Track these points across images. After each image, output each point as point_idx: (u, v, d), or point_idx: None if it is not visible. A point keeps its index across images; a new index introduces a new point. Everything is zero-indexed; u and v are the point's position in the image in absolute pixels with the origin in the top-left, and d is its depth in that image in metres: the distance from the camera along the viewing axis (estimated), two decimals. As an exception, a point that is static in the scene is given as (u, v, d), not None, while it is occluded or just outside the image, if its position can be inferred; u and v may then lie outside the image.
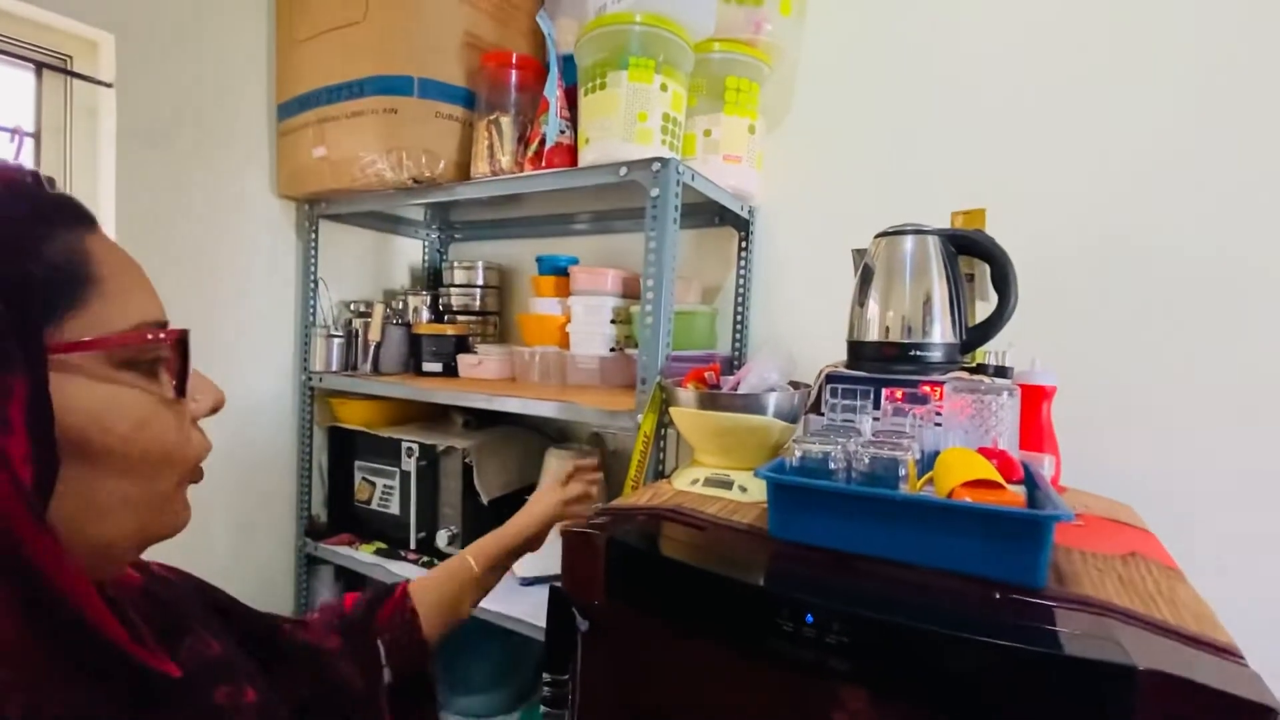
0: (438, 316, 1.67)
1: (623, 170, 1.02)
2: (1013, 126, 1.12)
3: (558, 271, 1.47)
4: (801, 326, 1.33)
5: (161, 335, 0.40)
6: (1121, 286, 1.05)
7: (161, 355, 0.40)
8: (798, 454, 0.70)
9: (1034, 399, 0.89)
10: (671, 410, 0.93)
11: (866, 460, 0.67)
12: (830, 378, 0.94)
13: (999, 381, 0.80)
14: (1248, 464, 0.98)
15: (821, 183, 1.30)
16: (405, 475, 1.41)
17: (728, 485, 0.86)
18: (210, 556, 1.39)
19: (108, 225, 1.17)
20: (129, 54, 1.20)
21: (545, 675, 0.72)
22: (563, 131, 1.13)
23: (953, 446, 0.71)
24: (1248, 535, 0.98)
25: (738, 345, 1.38)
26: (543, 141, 1.12)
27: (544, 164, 1.13)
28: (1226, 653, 0.46)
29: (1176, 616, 0.52)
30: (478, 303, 1.66)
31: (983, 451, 0.72)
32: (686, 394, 0.91)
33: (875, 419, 0.87)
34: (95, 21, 1.16)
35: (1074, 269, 1.08)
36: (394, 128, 1.20)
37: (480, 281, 1.66)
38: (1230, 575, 0.89)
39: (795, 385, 0.93)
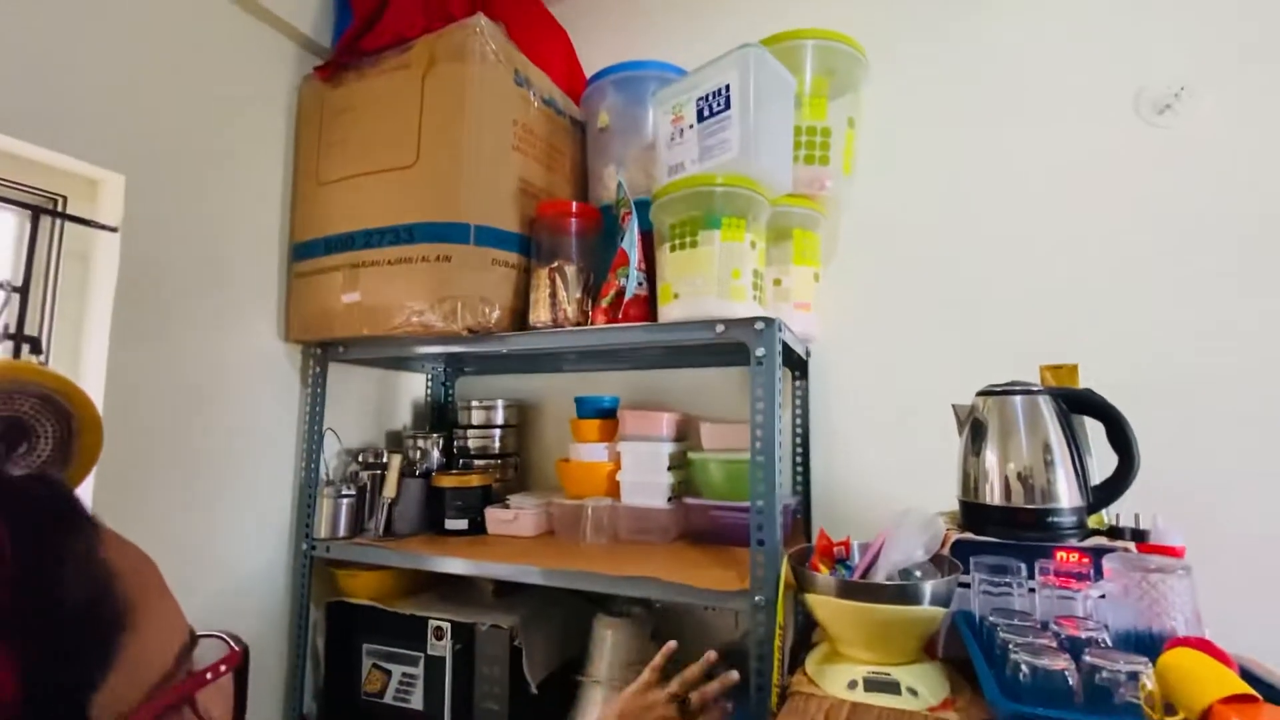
0: (451, 461, 1.51)
1: (719, 328, 0.98)
2: (1059, 280, 1.19)
3: (602, 414, 1.38)
4: (865, 472, 1.30)
5: (222, 667, 0.34)
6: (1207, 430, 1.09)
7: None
8: (1025, 670, 0.63)
9: (1169, 563, 0.87)
10: (809, 598, 0.83)
11: (1106, 674, 0.61)
12: (965, 547, 0.89)
13: (1168, 560, 0.77)
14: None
15: (873, 324, 1.32)
16: (434, 661, 1.20)
17: (894, 689, 0.76)
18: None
19: (95, 381, 1.00)
20: (137, 196, 1.07)
21: None
22: (640, 284, 1.08)
23: (1177, 645, 0.66)
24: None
25: (799, 489, 1.32)
26: (620, 293, 1.07)
27: (621, 316, 1.07)
28: None
29: None
30: (497, 444, 1.53)
31: (1192, 645, 0.67)
32: (826, 580, 0.82)
33: (1031, 589, 0.82)
34: (102, 161, 1.03)
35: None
36: (448, 276, 1.11)
37: (500, 421, 1.54)
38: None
39: (937, 560, 0.87)
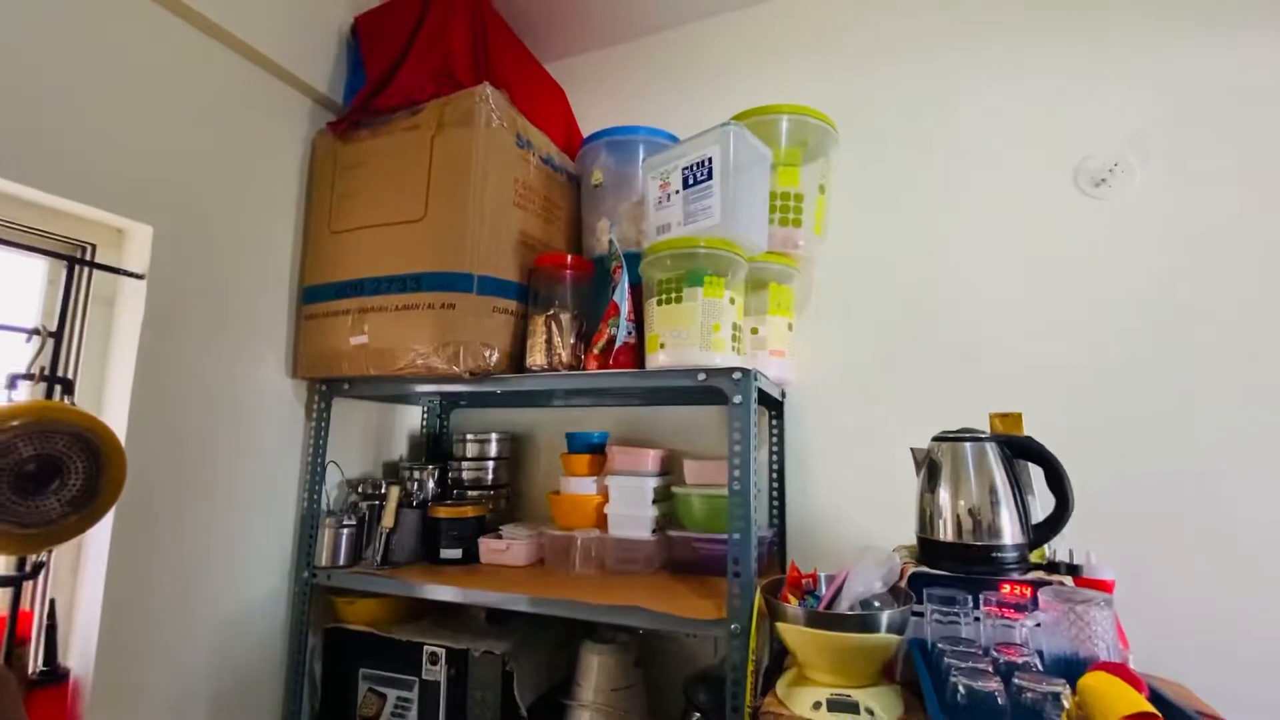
0: (446, 491, 1.58)
1: (701, 376, 1.08)
2: (1008, 334, 1.31)
3: (591, 449, 1.46)
4: (836, 506, 1.39)
5: None
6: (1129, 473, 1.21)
7: None
8: (961, 691, 0.72)
9: (1100, 594, 0.98)
10: (779, 626, 0.92)
11: (1031, 695, 0.70)
12: (920, 580, 0.98)
13: (1092, 592, 0.87)
14: None
15: (842, 369, 1.43)
16: (429, 686, 1.26)
17: (854, 709, 0.85)
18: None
19: (117, 419, 1.07)
20: (163, 245, 1.15)
21: None
22: (629, 333, 1.18)
23: (1095, 669, 0.76)
24: None
25: (775, 522, 1.41)
26: (610, 341, 1.17)
27: (611, 362, 1.17)
28: None
29: None
30: (490, 476, 1.61)
31: (1110, 669, 0.77)
32: (794, 610, 0.91)
33: (976, 618, 0.92)
34: (130, 212, 1.11)
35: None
36: (451, 322, 1.20)
37: (493, 453, 1.62)
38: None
39: (894, 591, 0.96)
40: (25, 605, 1.02)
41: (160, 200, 1.14)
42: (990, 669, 0.76)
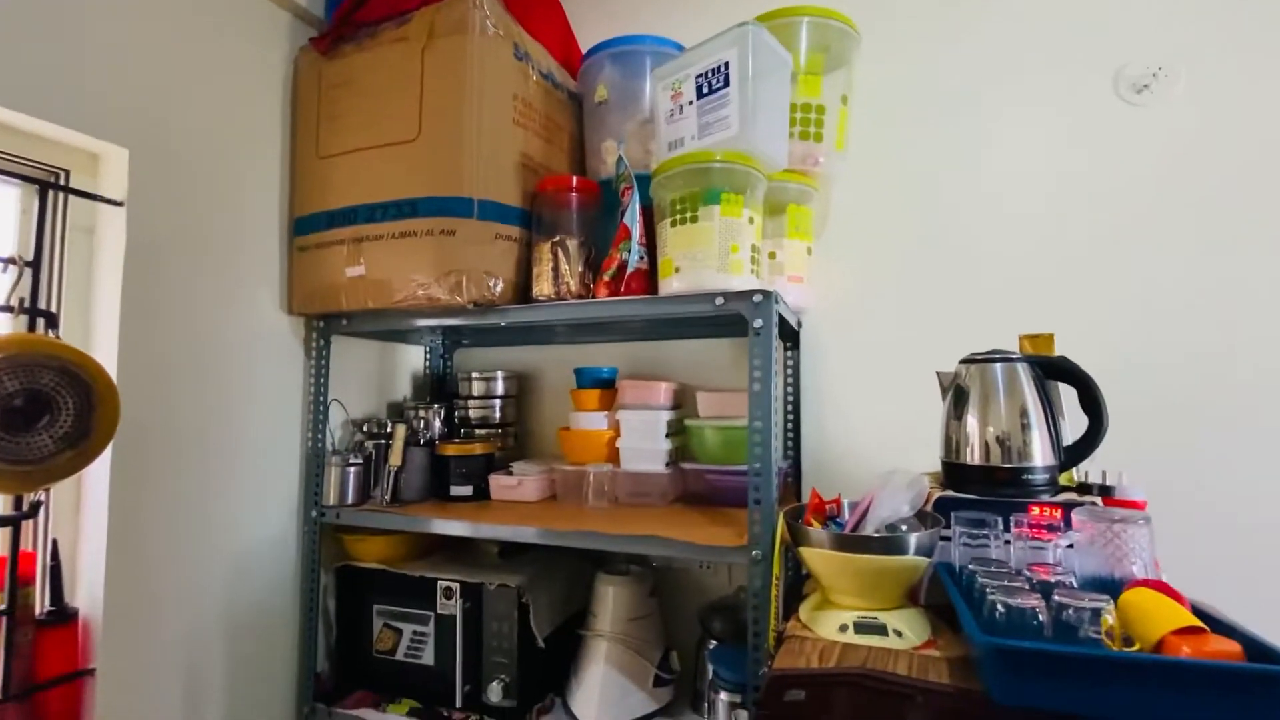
0: (453, 430, 1.55)
1: (719, 300, 1.02)
2: (1038, 252, 1.25)
3: (600, 384, 1.42)
4: (853, 436, 1.36)
5: None
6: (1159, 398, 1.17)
7: None
8: (1000, 609, 0.70)
9: (1131, 515, 0.95)
10: (803, 551, 0.90)
11: (1072, 611, 0.68)
12: (947, 503, 0.95)
13: (1130, 511, 0.84)
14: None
15: (861, 295, 1.37)
16: (444, 620, 1.26)
17: (882, 631, 0.83)
18: (201, 744, 1.16)
19: (106, 355, 1.02)
20: (141, 170, 1.07)
21: None
22: (641, 258, 1.12)
23: (1136, 585, 0.74)
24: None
25: (790, 455, 1.39)
26: (622, 267, 1.11)
27: (623, 289, 1.11)
28: None
29: None
30: (497, 414, 1.57)
31: (1151, 585, 0.75)
32: (819, 534, 0.88)
33: (1006, 541, 0.89)
34: (104, 134, 1.03)
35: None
36: (452, 249, 1.14)
37: (500, 392, 1.58)
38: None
39: (920, 515, 0.93)
40: (26, 546, 0.99)
41: (136, 122, 1.06)
42: (1026, 588, 0.74)
